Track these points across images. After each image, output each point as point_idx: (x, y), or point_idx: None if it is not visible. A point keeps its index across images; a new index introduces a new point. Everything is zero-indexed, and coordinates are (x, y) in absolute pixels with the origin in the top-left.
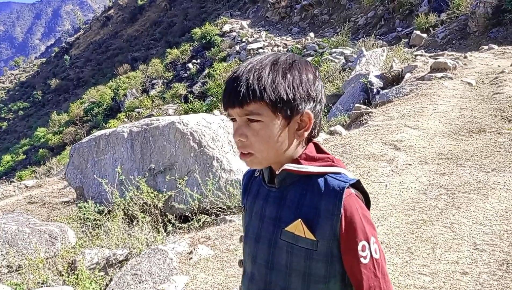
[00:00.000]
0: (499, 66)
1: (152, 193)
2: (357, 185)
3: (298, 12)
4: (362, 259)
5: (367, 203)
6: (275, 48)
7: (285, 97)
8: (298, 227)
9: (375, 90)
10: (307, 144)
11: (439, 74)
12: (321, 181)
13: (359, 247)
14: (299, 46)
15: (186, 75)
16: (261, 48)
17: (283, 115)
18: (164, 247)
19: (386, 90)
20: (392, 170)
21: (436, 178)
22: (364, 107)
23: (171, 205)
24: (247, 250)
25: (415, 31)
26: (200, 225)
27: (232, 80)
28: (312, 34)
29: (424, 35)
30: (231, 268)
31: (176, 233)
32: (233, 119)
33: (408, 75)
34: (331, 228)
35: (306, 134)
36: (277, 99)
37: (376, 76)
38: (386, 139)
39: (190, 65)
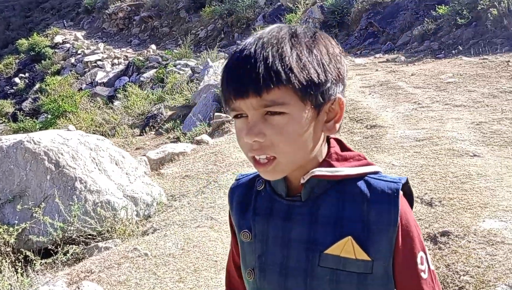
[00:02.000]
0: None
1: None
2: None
3: (138, 24)
4: (422, 274)
5: (411, 206)
6: (115, 60)
7: (316, 79)
8: (346, 247)
9: None
10: (327, 141)
11: None
12: (362, 185)
13: (418, 260)
14: (141, 58)
15: (12, 91)
16: (99, 60)
17: (313, 103)
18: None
19: None
20: None
21: None
22: (225, 115)
23: (26, 239)
24: (268, 287)
25: None
26: (68, 258)
27: (242, 60)
28: (153, 46)
29: None
30: None
31: (46, 272)
32: (238, 115)
33: None
34: (387, 243)
35: (337, 126)
36: (307, 82)
37: None
38: None
39: (17, 79)
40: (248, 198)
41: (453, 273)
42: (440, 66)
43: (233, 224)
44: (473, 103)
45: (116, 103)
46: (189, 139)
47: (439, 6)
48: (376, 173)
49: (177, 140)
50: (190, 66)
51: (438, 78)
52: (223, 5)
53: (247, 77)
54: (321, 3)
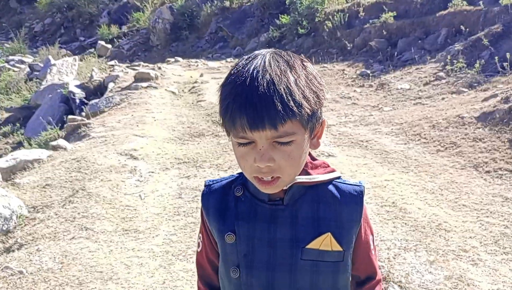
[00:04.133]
0: (191, 76)
1: None
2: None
3: None
4: (372, 251)
5: None
6: None
7: (315, 109)
8: (325, 242)
9: (77, 101)
10: None
11: (144, 84)
12: (332, 188)
13: (371, 242)
14: None
15: None
16: None
17: (309, 128)
18: None
19: (95, 100)
20: (139, 180)
21: (185, 182)
22: (80, 118)
23: None
24: (256, 283)
25: (99, 42)
26: None
27: (255, 94)
28: None
29: (109, 46)
30: None
31: None
32: (243, 144)
33: (111, 84)
34: (354, 234)
35: (320, 142)
36: (310, 113)
37: (77, 86)
38: (120, 150)
39: None
40: (225, 204)
41: None
42: None
43: (209, 227)
44: None
45: None
46: (39, 144)
47: (282, 16)
48: (339, 177)
49: (19, 145)
50: (26, 62)
51: None
52: None
53: (266, 114)
54: (170, 4)
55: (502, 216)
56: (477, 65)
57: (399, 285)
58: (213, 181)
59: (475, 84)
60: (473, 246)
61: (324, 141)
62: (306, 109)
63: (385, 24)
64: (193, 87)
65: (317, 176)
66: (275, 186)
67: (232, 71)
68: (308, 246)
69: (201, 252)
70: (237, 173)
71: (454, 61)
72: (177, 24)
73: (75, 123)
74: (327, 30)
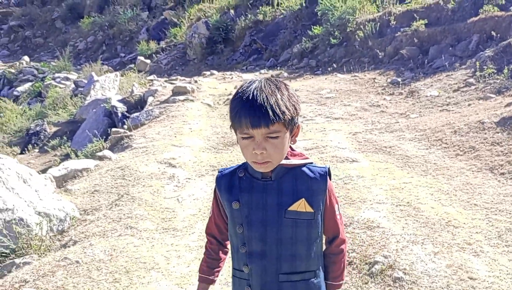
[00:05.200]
0: (226, 89)
1: None
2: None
3: (6, 34)
4: (338, 216)
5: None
6: None
7: (293, 116)
8: (300, 205)
9: (120, 115)
10: None
11: (181, 97)
12: (306, 169)
13: (336, 209)
14: (13, 70)
15: None
16: None
17: (289, 129)
18: None
19: (136, 114)
20: (177, 185)
21: None
22: (123, 130)
23: None
24: (254, 235)
25: (139, 57)
26: None
27: (255, 105)
28: (26, 58)
29: (148, 61)
30: None
31: None
32: (246, 138)
33: (151, 98)
34: (321, 201)
35: (296, 139)
36: (290, 118)
37: (119, 101)
38: (160, 159)
39: None
40: (232, 182)
41: None
42: (319, 82)
43: (221, 199)
44: (349, 116)
45: None
46: (86, 155)
47: (314, 27)
48: (311, 163)
49: (66, 157)
50: (71, 79)
51: (318, 94)
52: (103, 16)
53: (262, 117)
54: (206, 19)
55: (510, 213)
56: (506, 70)
57: (403, 272)
58: (223, 169)
59: (503, 90)
60: (477, 240)
61: (349, 147)
62: (288, 115)
63: (416, 32)
64: (227, 99)
65: (294, 161)
66: (266, 166)
67: (238, 91)
68: (289, 209)
69: (212, 218)
70: (238, 164)
71: (484, 67)
72: (213, 38)
73: (118, 135)
74: (359, 39)
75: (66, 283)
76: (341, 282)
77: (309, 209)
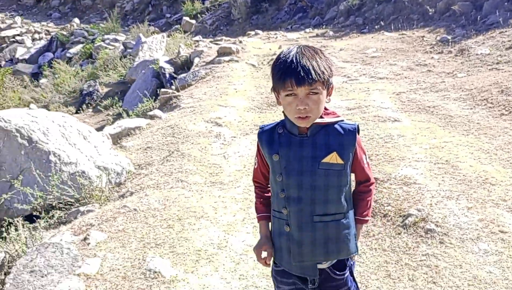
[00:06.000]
0: (270, 49)
1: None
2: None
3: None
4: (365, 165)
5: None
6: (36, 35)
7: (330, 77)
8: (332, 158)
9: (167, 75)
10: None
11: (226, 58)
12: (337, 127)
13: (364, 158)
14: (65, 32)
15: None
16: (18, 35)
17: (326, 88)
18: (54, 240)
19: (183, 74)
20: (223, 143)
21: None
22: (171, 91)
23: (6, 208)
24: (292, 182)
25: (184, 18)
26: (54, 221)
27: (299, 66)
28: (77, 20)
29: (193, 21)
30: (131, 244)
31: (43, 232)
32: (289, 95)
33: (197, 59)
34: (351, 153)
35: (330, 98)
36: (327, 78)
37: (166, 62)
38: (207, 118)
39: None
40: (272, 137)
41: (379, 205)
42: (365, 41)
43: (262, 152)
44: (394, 75)
45: (43, 80)
46: (137, 115)
47: None
48: (342, 120)
49: (118, 116)
50: (120, 41)
51: (363, 53)
52: None
53: (306, 76)
54: None
55: None
56: None
57: (435, 224)
58: (264, 125)
59: None
60: None
61: (392, 107)
62: (326, 75)
63: None
64: (272, 59)
65: (327, 119)
66: (307, 121)
67: (280, 56)
68: (323, 161)
69: (257, 168)
70: (277, 121)
71: None
72: None
73: (167, 95)
74: None
75: (126, 227)
76: (367, 218)
77: (340, 161)
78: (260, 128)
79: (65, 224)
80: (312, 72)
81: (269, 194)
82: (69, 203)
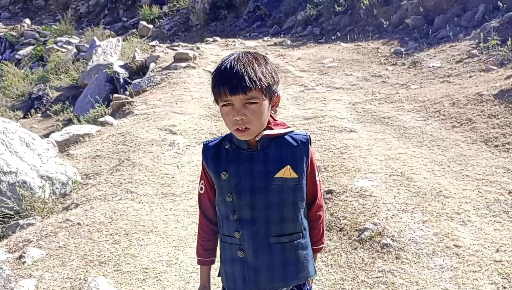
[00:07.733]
0: None
1: None
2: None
3: None
4: (317, 181)
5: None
6: None
7: (271, 84)
8: (286, 172)
9: (122, 80)
10: None
11: (183, 64)
12: (288, 138)
13: (316, 175)
14: (14, 33)
15: None
16: None
17: (268, 97)
18: None
19: (138, 80)
20: (177, 152)
21: None
22: (125, 97)
23: None
24: (244, 202)
25: (141, 22)
26: None
27: (233, 73)
28: (28, 21)
29: (151, 26)
30: (72, 262)
31: None
32: (226, 105)
33: (152, 65)
34: (304, 167)
35: (276, 109)
36: (267, 86)
37: (121, 66)
38: (160, 125)
39: None
40: (218, 154)
41: (335, 219)
42: (322, 51)
43: (208, 171)
44: (350, 86)
45: None
46: (88, 121)
47: None
48: (292, 131)
49: (68, 122)
50: (73, 44)
51: (320, 63)
52: None
53: (239, 84)
54: None
55: (499, 185)
56: (509, 42)
57: (391, 239)
58: (208, 141)
59: (506, 62)
60: (466, 209)
61: (347, 117)
62: (264, 82)
63: (422, 0)
64: None
65: (277, 130)
66: (247, 134)
67: (220, 63)
68: (276, 176)
69: (204, 194)
70: (223, 135)
71: (489, 38)
72: (216, 4)
73: (120, 101)
74: (364, 7)
75: (67, 243)
76: (321, 246)
77: (294, 175)
78: (204, 144)
79: (1, 239)
80: (246, 78)
81: (213, 233)
82: (7, 215)
